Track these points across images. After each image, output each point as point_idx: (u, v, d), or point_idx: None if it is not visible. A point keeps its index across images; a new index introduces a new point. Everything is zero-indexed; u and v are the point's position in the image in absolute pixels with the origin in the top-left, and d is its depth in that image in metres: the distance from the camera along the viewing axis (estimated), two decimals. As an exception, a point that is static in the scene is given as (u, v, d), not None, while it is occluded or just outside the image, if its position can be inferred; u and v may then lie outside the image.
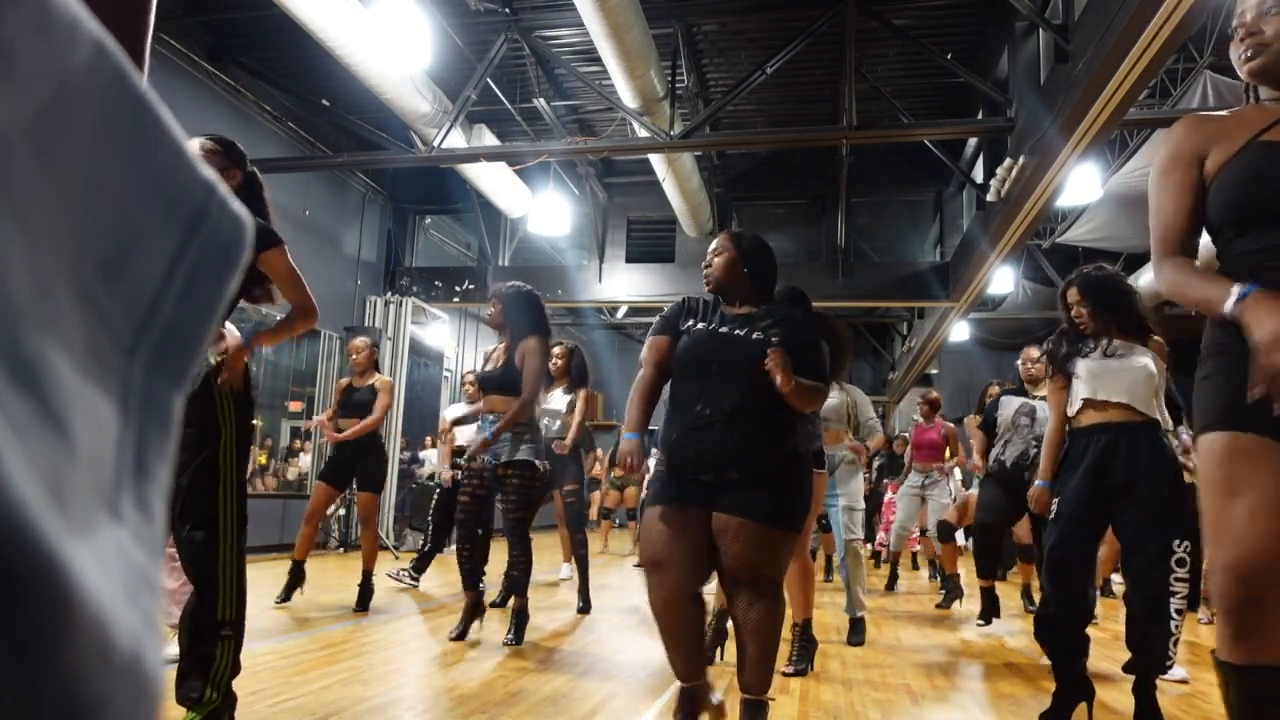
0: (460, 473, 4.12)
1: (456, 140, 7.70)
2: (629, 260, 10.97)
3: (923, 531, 7.42)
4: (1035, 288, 11.09)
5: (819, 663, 3.65)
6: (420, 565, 5.92)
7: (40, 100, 0.25)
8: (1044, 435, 3.23)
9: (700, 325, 2.51)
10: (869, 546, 7.64)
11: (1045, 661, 3.79)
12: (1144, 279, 7.69)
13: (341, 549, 8.54)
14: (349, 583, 5.16)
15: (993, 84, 7.13)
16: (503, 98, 8.24)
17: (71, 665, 0.22)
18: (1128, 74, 4.64)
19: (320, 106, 8.26)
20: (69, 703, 0.22)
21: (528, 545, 3.94)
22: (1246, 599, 1.37)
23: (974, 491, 5.54)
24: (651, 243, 11.13)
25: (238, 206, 0.32)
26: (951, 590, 5.75)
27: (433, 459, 6.49)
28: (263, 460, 8.69)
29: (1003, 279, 9.93)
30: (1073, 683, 2.72)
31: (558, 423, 5.25)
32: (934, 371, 15.96)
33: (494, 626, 4.33)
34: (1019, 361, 4.82)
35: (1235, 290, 1.36)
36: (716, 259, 2.55)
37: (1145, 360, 2.81)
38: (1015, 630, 4.90)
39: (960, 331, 11.77)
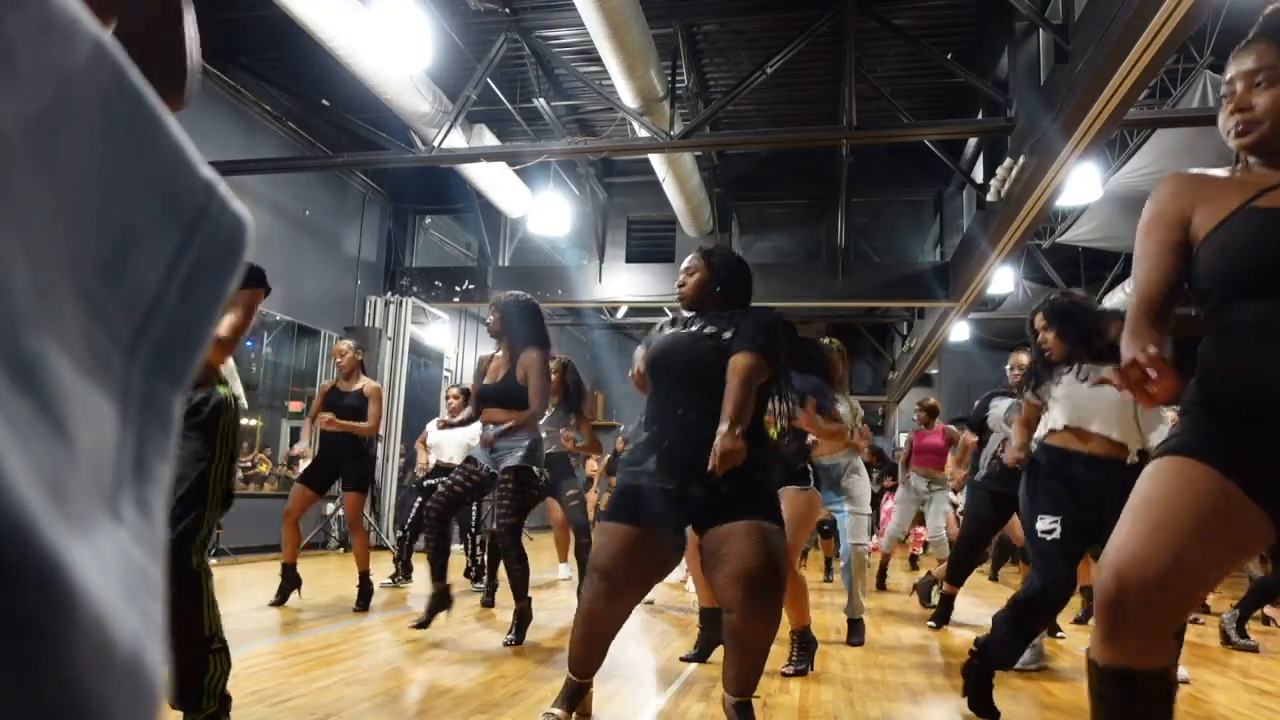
0: (450, 474, 4.15)
1: (456, 140, 7.70)
2: (629, 260, 10.97)
3: (925, 545, 7.39)
4: (1035, 288, 11.08)
5: (819, 663, 3.65)
6: (404, 567, 6.07)
7: (40, 100, 0.25)
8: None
9: (664, 331, 2.56)
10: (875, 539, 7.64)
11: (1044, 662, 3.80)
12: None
13: (341, 549, 8.54)
14: (348, 583, 5.16)
15: (993, 84, 7.13)
16: (503, 98, 8.24)
17: (71, 665, 0.22)
18: (1128, 74, 4.64)
19: (320, 106, 8.26)
20: (69, 703, 0.22)
21: (522, 548, 3.96)
22: (1122, 600, 1.38)
23: None
24: (652, 243, 11.13)
25: (238, 206, 0.32)
26: (944, 615, 5.53)
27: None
28: (264, 469, 8.70)
29: (1003, 279, 9.93)
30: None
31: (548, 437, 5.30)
32: (934, 372, 15.97)
33: (494, 627, 4.33)
34: (1008, 366, 4.80)
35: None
36: (689, 278, 2.57)
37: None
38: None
39: (960, 332, 11.77)
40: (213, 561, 7.03)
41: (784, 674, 3.40)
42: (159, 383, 0.29)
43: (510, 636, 3.89)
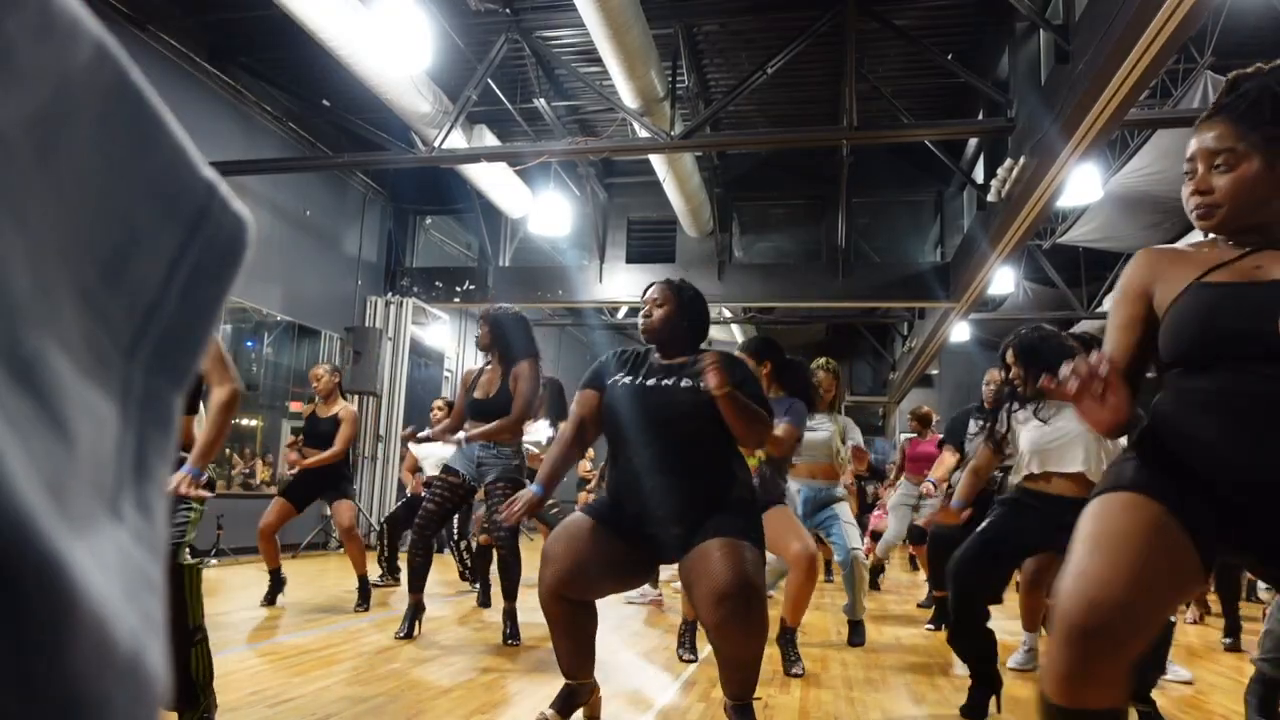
0: (430, 485, 4.18)
1: (457, 140, 7.70)
2: (629, 260, 10.97)
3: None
4: (1036, 288, 11.08)
5: (819, 663, 3.65)
6: (389, 565, 6.10)
7: (40, 101, 0.25)
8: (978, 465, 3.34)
9: (625, 380, 2.47)
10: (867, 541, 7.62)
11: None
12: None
13: (342, 549, 8.54)
14: (348, 583, 5.16)
15: (993, 84, 7.12)
16: (503, 98, 8.24)
17: (72, 665, 0.22)
18: (1128, 74, 4.64)
19: (320, 106, 8.26)
20: (69, 702, 0.22)
21: (518, 553, 4.00)
22: (1091, 628, 1.32)
23: None
24: (652, 243, 11.12)
25: (239, 206, 0.32)
26: (942, 616, 5.53)
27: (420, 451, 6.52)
28: (265, 476, 8.72)
29: (1003, 279, 9.92)
30: (983, 679, 2.91)
31: (537, 451, 5.32)
32: (934, 372, 15.96)
33: (492, 627, 4.33)
34: (984, 382, 4.79)
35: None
36: (657, 310, 2.53)
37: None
38: (1015, 630, 4.89)
39: (961, 332, 11.77)
40: (213, 562, 7.04)
41: (794, 674, 3.42)
42: (159, 382, 0.29)
43: (508, 636, 3.90)
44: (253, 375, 8.85)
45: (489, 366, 4.12)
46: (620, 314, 13.91)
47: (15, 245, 0.23)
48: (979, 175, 8.90)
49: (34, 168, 0.24)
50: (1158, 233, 8.35)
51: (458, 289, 10.79)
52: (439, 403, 6.25)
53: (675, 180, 8.91)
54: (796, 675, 3.42)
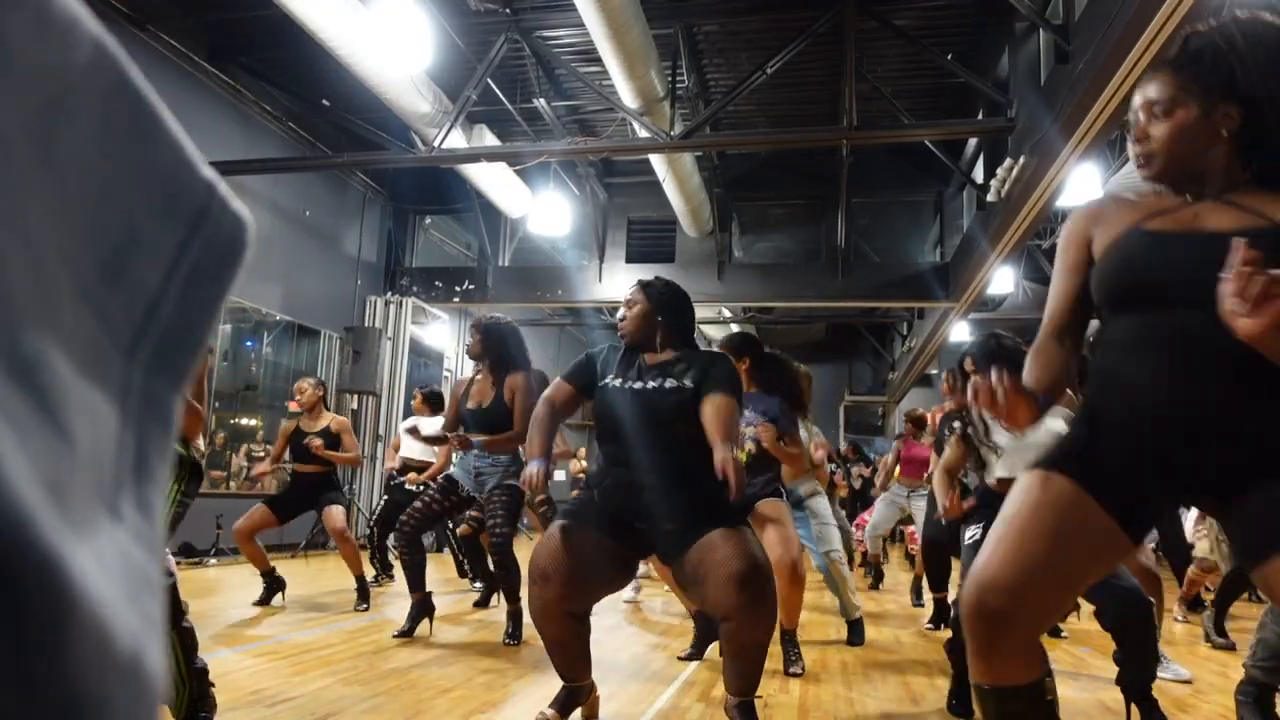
0: (426, 489, 4.19)
1: (457, 140, 7.70)
2: (629, 260, 10.97)
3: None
4: (1036, 288, 11.08)
5: (819, 663, 3.65)
6: (382, 565, 6.12)
7: (40, 100, 0.25)
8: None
9: (615, 383, 2.49)
10: (858, 533, 7.61)
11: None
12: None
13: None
14: (347, 582, 5.16)
15: (993, 84, 7.13)
16: (503, 98, 8.24)
17: (72, 665, 0.22)
18: (1128, 74, 4.64)
19: (320, 106, 8.26)
20: (69, 702, 0.22)
21: (514, 558, 4.01)
22: (982, 613, 1.38)
23: None
24: (652, 243, 11.13)
25: (238, 206, 0.32)
26: (941, 616, 5.51)
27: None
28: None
29: (1003, 279, 9.93)
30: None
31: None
32: (934, 372, 15.95)
33: (492, 626, 4.33)
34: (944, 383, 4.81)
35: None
36: (629, 310, 2.56)
37: (1050, 423, 2.84)
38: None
39: (960, 332, 11.77)
40: (212, 561, 7.05)
41: (793, 674, 3.42)
42: (159, 382, 0.29)
43: (509, 636, 3.91)
44: (252, 375, 8.85)
45: (479, 376, 4.14)
46: (620, 314, 13.92)
47: (15, 245, 0.23)
48: (979, 175, 8.91)
49: (33, 167, 0.24)
50: (1157, 233, 8.34)
51: (457, 289, 10.80)
52: (419, 392, 6.35)
53: (675, 180, 8.91)
54: (796, 675, 3.42)
